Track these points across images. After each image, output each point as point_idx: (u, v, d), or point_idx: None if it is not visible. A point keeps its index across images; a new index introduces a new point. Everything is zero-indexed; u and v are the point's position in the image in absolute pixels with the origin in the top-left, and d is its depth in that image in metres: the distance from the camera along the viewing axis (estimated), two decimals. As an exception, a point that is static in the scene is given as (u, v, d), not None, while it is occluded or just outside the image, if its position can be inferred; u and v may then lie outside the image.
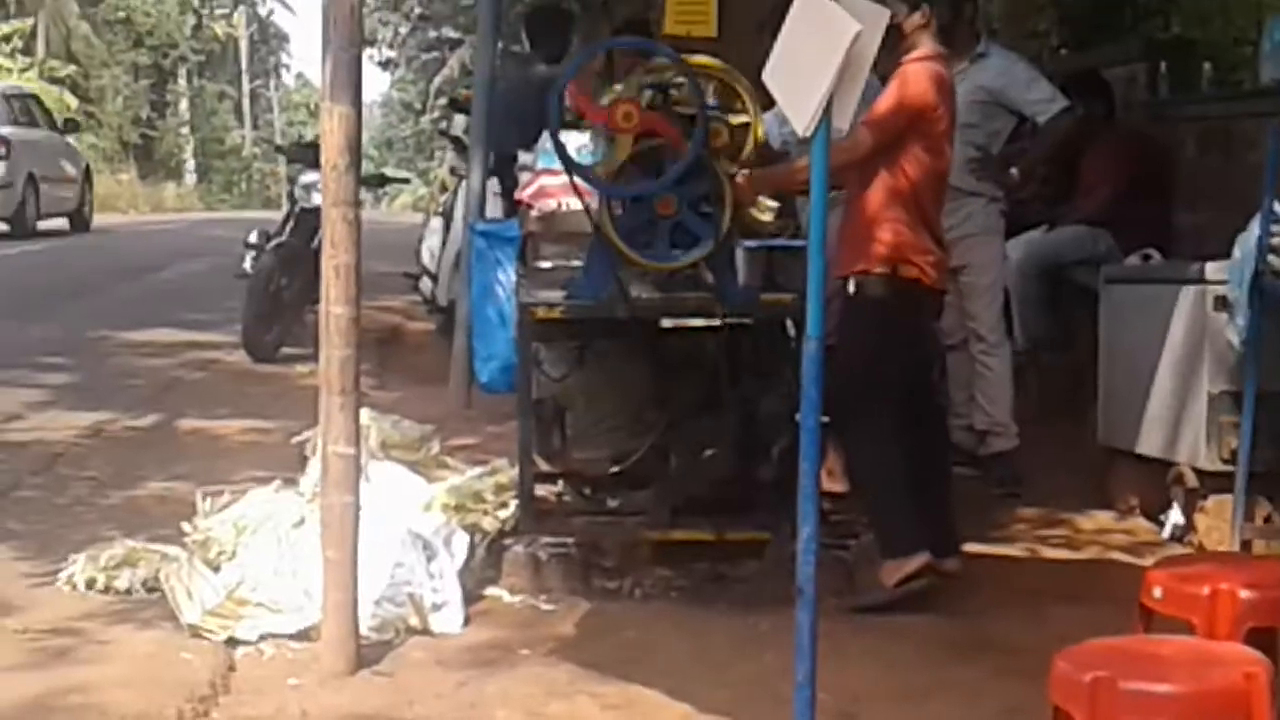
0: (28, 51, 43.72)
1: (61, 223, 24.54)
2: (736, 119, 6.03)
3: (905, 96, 5.90)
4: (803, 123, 4.08)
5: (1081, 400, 8.00)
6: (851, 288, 5.96)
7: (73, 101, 42.43)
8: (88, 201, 25.60)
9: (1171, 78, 10.48)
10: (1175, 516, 6.90)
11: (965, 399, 7.93)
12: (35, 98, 26.70)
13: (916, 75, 5.95)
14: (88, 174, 25.94)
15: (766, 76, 4.43)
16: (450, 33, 41.31)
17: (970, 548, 6.61)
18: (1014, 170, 7.93)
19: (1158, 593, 4.27)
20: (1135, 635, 4.14)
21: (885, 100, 5.94)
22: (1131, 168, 9.22)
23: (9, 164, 21.94)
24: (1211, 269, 6.79)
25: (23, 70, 41.01)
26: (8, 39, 41.12)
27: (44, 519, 6.95)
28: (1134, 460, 7.25)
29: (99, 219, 26.86)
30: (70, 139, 26.30)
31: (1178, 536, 6.88)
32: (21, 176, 22.35)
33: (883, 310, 5.96)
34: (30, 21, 44.74)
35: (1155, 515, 7.09)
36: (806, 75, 4.08)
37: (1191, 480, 6.81)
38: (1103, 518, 7.33)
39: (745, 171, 6.04)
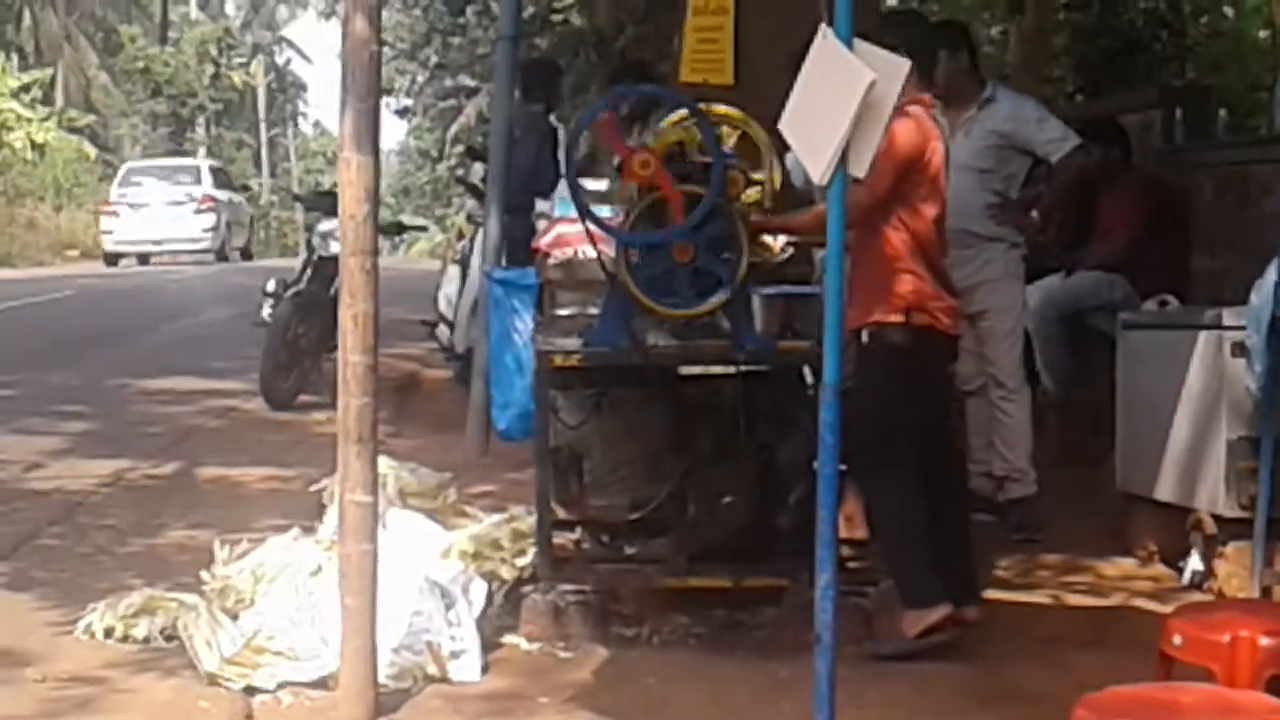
0: (47, 101, 44.04)
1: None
2: (754, 172, 6.05)
3: (892, 151, 5.82)
4: (819, 170, 4.10)
5: (1100, 446, 7.98)
6: (866, 338, 5.96)
7: (91, 151, 42.71)
8: (255, 241, 38.88)
9: (1187, 124, 10.47)
10: (1195, 563, 6.87)
11: (984, 445, 7.91)
12: (224, 170, 39.61)
13: (897, 129, 5.90)
14: (252, 222, 39.39)
15: (783, 125, 4.45)
16: (467, 81, 41.46)
17: (990, 594, 6.60)
18: (1034, 213, 7.93)
19: (1178, 640, 4.26)
20: (1156, 683, 4.12)
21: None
22: (1148, 213, 9.23)
23: (216, 215, 33.17)
24: (1229, 315, 6.78)
25: (42, 120, 41.27)
26: (27, 89, 41.36)
27: (65, 567, 6.96)
28: (1153, 506, 7.22)
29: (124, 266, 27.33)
30: (244, 198, 39.62)
31: (1197, 583, 6.85)
32: (223, 223, 33.52)
33: (898, 359, 5.95)
34: (50, 71, 45.08)
35: (1175, 561, 7.06)
36: (822, 124, 4.11)
37: (1210, 526, 6.78)
38: (1122, 564, 7.30)
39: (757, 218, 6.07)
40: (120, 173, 36.09)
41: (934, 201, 6.06)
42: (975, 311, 7.78)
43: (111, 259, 32.67)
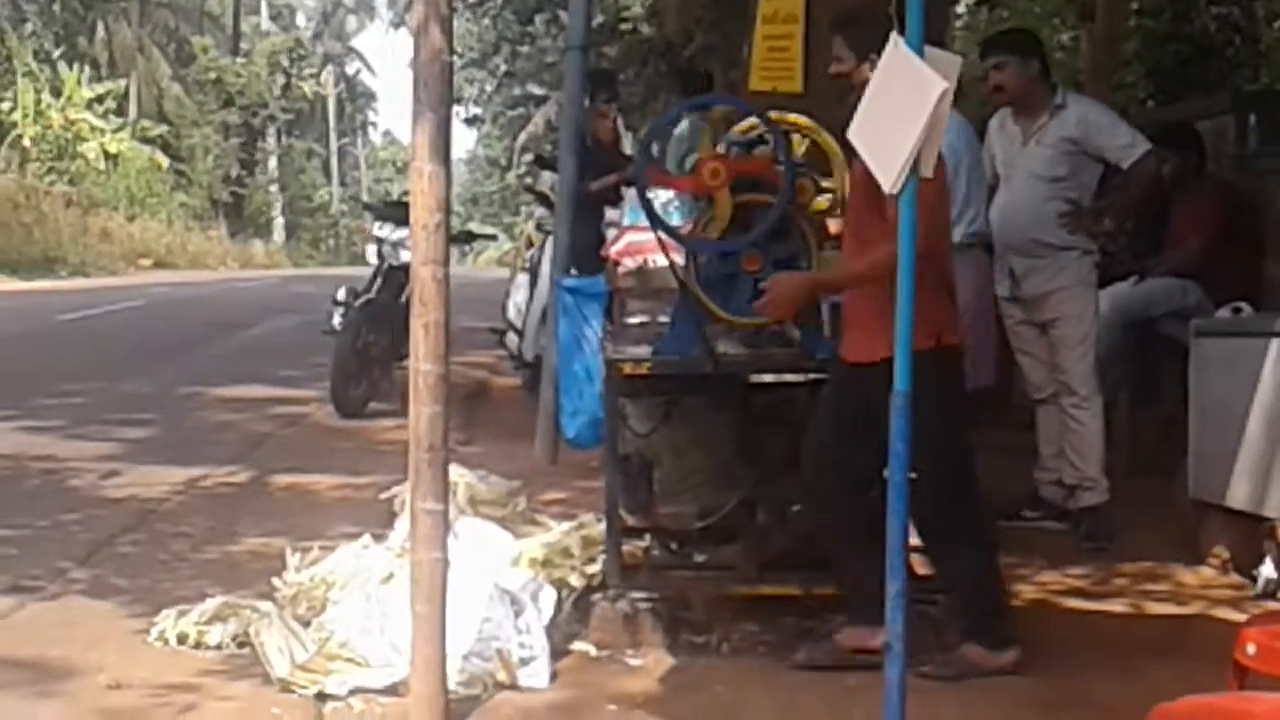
0: (120, 112, 44.50)
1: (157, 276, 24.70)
2: (824, 180, 6.05)
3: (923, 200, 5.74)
4: (889, 179, 4.10)
5: (1171, 453, 7.92)
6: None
7: (164, 161, 43.11)
8: None
9: (1260, 129, 10.40)
10: (1268, 571, 6.81)
11: (1054, 453, 7.88)
12: None
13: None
14: None
15: (852, 134, 4.45)
16: (535, 89, 41.59)
17: (1062, 603, 6.57)
18: (1107, 221, 7.88)
19: (1251, 649, 4.21)
20: (1229, 693, 4.09)
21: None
22: (1222, 219, 9.17)
23: None
24: (1303, 322, 6.74)
25: (115, 130, 41.72)
26: (101, 99, 41.84)
27: (139, 574, 7.02)
28: (1225, 514, 7.17)
29: (187, 275, 27.21)
30: None
31: (1271, 591, 6.79)
32: None
33: (938, 382, 5.87)
34: (123, 83, 45.53)
35: (1248, 570, 7.00)
36: (893, 132, 4.10)
37: (1284, 535, 6.74)
38: (1195, 573, 7.24)
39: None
40: None
41: (934, 211, 5.66)
42: (1047, 319, 7.75)
43: None
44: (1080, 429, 7.73)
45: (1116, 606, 6.82)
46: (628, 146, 12.81)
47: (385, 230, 12.00)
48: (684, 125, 9.56)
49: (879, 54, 5.26)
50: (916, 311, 5.66)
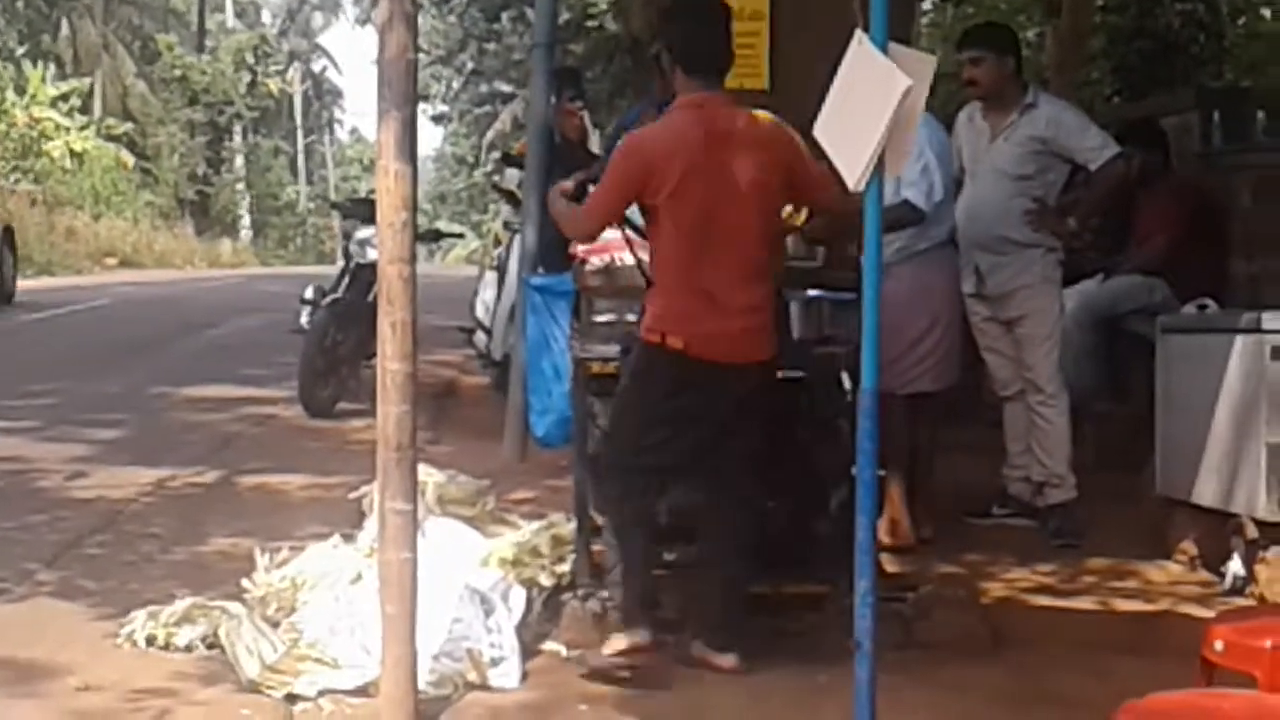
0: (85, 110, 44.29)
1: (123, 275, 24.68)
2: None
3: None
4: (854, 176, 4.10)
5: (1138, 451, 7.96)
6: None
7: (130, 159, 42.94)
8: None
9: (1225, 126, 10.44)
10: (1236, 568, 6.84)
11: (1022, 450, 7.90)
12: None
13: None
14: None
15: (818, 130, 4.45)
16: (502, 87, 41.55)
17: (1030, 600, 6.59)
18: (1071, 220, 7.90)
19: (1219, 646, 4.22)
20: (1197, 689, 4.10)
21: None
22: (1187, 216, 9.21)
23: None
24: (1268, 318, 6.77)
25: (80, 129, 41.53)
26: (66, 98, 41.62)
27: (107, 576, 6.99)
28: (1193, 511, 7.20)
29: (154, 274, 27.13)
30: None
31: (1238, 588, 6.82)
32: None
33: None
34: (88, 80, 45.31)
35: (1215, 566, 7.03)
36: (858, 129, 4.11)
37: (1251, 531, 6.75)
38: (1162, 569, 7.28)
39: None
40: None
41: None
42: (1012, 317, 7.78)
43: None
44: (1047, 426, 7.75)
45: (1085, 603, 6.85)
46: (595, 144, 12.79)
47: (351, 227, 11.96)
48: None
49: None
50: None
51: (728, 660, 5.72)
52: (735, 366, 5.68)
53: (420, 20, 5.70)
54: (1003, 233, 7.70)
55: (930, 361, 7.51)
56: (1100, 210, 8.34)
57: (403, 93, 4.98)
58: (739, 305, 5.68)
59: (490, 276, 12.72)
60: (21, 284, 22.54)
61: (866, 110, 4.12)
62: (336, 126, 75.24)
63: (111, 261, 37.94)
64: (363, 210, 11.48)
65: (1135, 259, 9.30)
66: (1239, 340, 6.90)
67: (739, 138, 5.67)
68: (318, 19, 70.58)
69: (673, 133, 5.71)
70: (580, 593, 6.15)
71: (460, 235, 42.97)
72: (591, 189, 5.98)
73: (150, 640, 5.95)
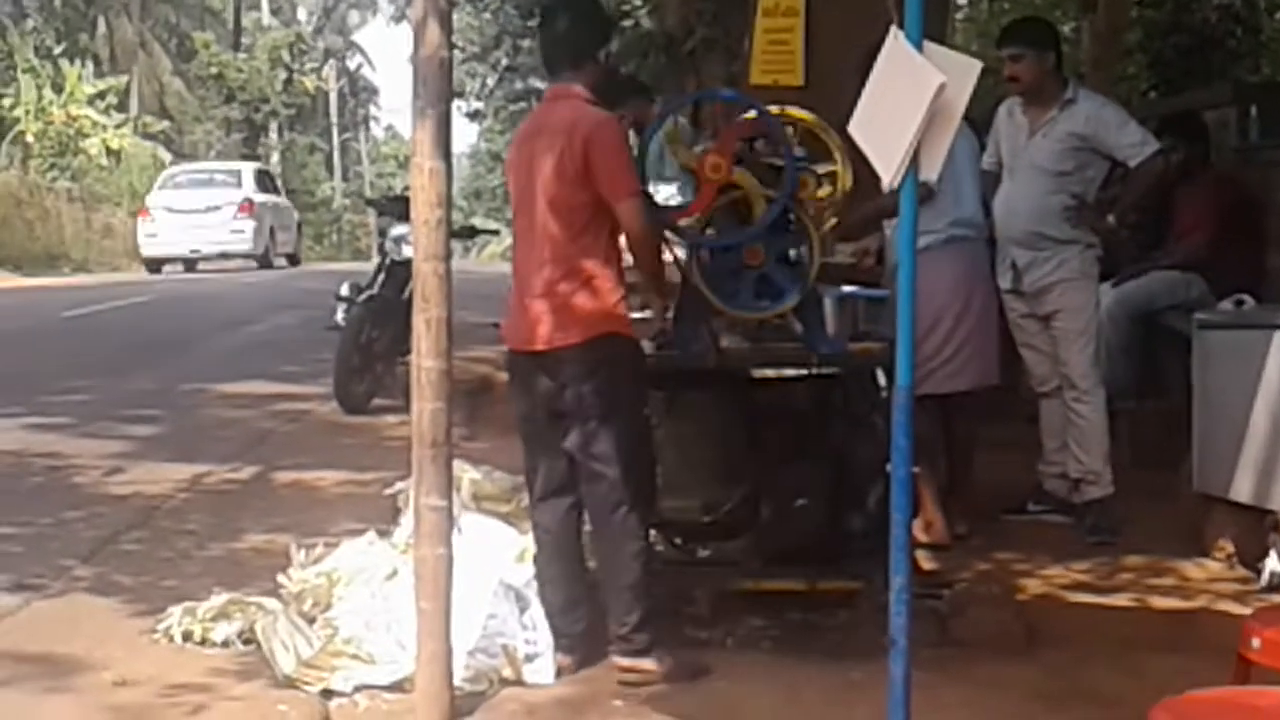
0: (122, 108, 44.46)
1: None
2: (824, 168, 6.04)
3: None
4: (889, 174, 4.09)
5: (1175, 447, 7.92)
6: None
7: (166, 157, 43.08)
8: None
9: (1262, 121, 10.37)
10: (1273, 564, 6.80)
11: (1058, 447, 7.86)
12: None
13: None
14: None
15: (853, 128, 4.44)
16: (537, 83, 41.54)
17: (1065, 597, 6.57)
18: (1110, 217, 7.85)
19: (1256, 643, 4.21)
20: (1233, 687, 4.09)
21: None
22: (1224, 212, 9.16)
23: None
24: (1306, 313, 6.74)
25: (117, 126, 41.69)
26: (103, 95, 41.80)
27: (144, 571, 7.03)
28: (1230, 507, 7.17)
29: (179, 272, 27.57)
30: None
31: (1276, 585, 6.78)
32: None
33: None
34: (125, 78, 45.49)
35: (1252, 563, 7.00)
36: (892, 127, 4.09)
37: (1289, 527, 6.73)
38: (1199, 566, 7.24)
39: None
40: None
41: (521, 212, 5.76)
42: (1049, 312, 7.74)
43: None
44: (1083, 422, 7.71)
45: (1121, 600, 6.81)
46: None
47: (387, 224, 11.95)
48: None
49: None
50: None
51: (647, 664, 5.62)
52: (541, 355, 5.66)
53: (455, 17, 5.71)
54: (1040, 229, 7.65)
55: (937, 363, 7.36)
56: (1139, 207, 8.29)
57: (437, 90, 4.99)
58: (536, 290, 5.64)
59: (525, 273, 12.69)
60: (59, 281, 22.75)
61: (901, 108, 4.10)
62: (372, 123, 75.34)
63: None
64: (398, 207, 11.49)
65: (1172, 254, 9.26)
66: (1276, 336, 6.87)
67: (549, 127, 5.66)
68: (353, 16, 70.63)
69: (517, 131, 5.76)
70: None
71: (495, 232, 42.87)
72: None
73: (186, 636, 5.98)
